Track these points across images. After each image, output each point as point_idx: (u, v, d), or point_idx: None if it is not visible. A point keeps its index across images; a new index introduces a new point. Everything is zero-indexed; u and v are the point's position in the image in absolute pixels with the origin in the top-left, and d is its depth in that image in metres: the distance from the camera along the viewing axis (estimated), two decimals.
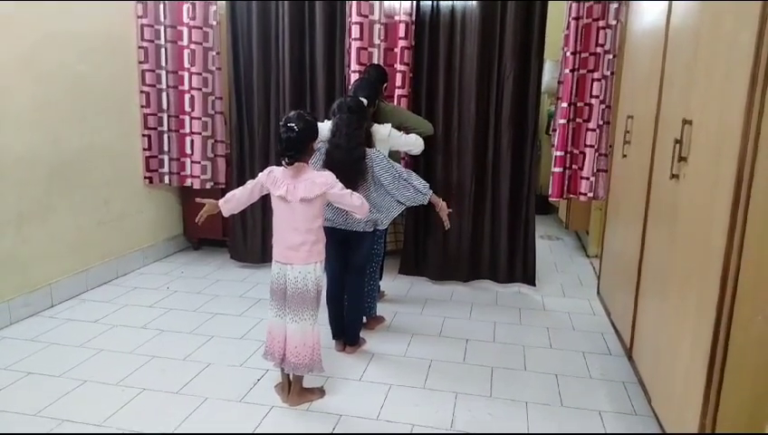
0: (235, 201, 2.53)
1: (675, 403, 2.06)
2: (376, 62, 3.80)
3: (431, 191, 2.91)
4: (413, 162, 3.97)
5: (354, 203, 2.48)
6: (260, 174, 2.49)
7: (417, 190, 2.87)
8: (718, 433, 1.72)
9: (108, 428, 2.32)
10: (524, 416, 2.47)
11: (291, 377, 2.53)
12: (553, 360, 3.00)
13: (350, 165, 2.74)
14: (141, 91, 4.32)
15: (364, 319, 3.24)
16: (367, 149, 2.82)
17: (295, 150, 2.37)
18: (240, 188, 2.55)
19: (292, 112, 2.42)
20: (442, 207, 2.95)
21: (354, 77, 3.76)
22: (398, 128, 3.23)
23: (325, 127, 2.98)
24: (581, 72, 3.78)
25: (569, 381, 2.77)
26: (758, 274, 1.60)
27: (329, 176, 2.46)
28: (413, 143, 3.26)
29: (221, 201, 2.53)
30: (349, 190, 2.48)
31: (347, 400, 2.58)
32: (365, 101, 2.98)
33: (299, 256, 2.43)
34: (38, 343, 3.06)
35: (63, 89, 3.60)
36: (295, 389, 2.53)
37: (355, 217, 2.69)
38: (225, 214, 2.57)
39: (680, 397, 1.99)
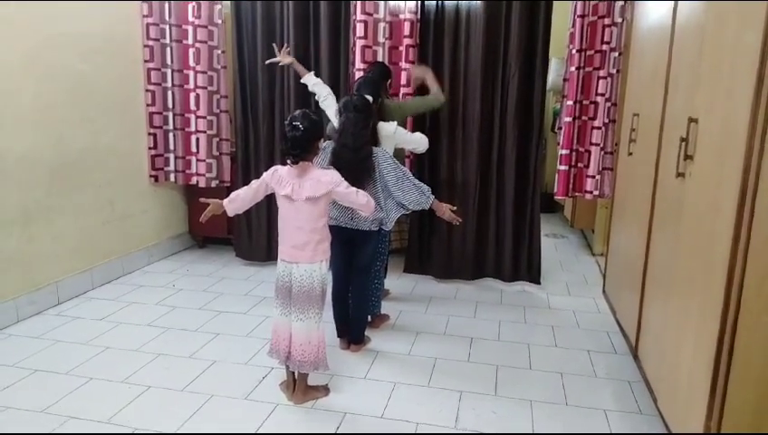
0: (239, 201, 2.53)
1: (680, 403, 2.06)
2: (380, 60, 3.80)
3: (433, 196, 2.91)
4: (417, 161, 3.97)
5: (360, 201, 2.48)
6: (264, 173, 2.49)
7: (422, 192, 2.87)
8: (723, 433, 1.71)
9: (113, 425, 2.34)
10: (529, 415, 2.46)
11: (296, 375, 2.54)
12: (558, 358, 3.00)
13: (356, 164, 2.74)
14: (147, 90, 4.33)
15: (369, 317, 3.25)
16: (373, 148, 2.83)
17: (300, 149, 2.36)
18: (245, 187, 2.55)
19: (298, 111, 2.42)
20: (444, 210, 2.95)
21: (359, 75, 3.76)
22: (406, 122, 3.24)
23: (331, 112, 3.02)
24: (587, 69, 3.77)
25: (574, 380, 2.76)
26: (764, 273, 1.59)
27: (334, 174, 2.46)
28: (418, 141, 3.25)
29: (226, 201, 2.54)
30: (354, 188, 2.47)
31: (351, 398, 2.58)
32: (370, 98, 2.98)
33: (304, 254, 2.44)
34: (44, 341, 3.08)
35: (68, 89, 3.62)
36: (300, 387, 2.53)
37: (361, 215, 2.69)
38: (230, 214, 2.57)
39: (685, 396, 1.98)
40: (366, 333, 3.12)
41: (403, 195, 2.86)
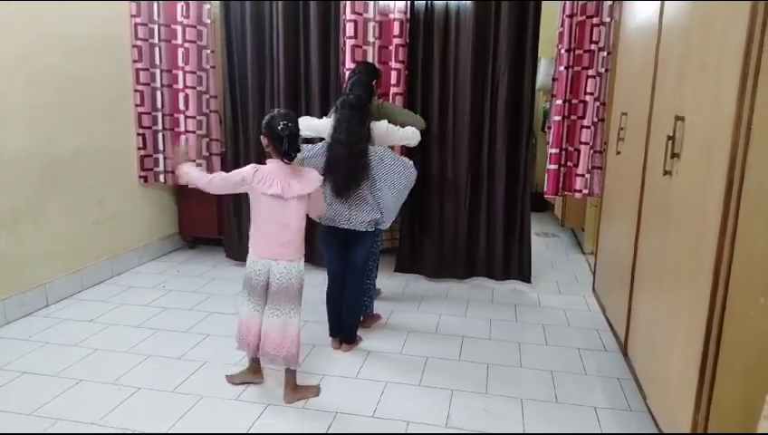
0: (208, 184, 2.51)
1: (669, 399, 2.07)
2: (367, 60, 3.80)
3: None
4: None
5: (320, 209, 2.71)
6: (242, 171, 2.45)
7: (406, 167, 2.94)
8: (711, 433, 1.72)
9: (103, 427, 2.32)
10: (520, 412, 2.48)
11: (285, 373, 2.55)
12: (549, 356, 3.01)
13: (351, 160, 2.75)
14: (136, 90, 4.30)
15: (361, 317, 3.25)
16: (371, 147, 2.84)
17: (297, 148, 2.43)
18: (221, 176, 2.51)
19: (283, 111, 2.46)
20: None
21: (348, 75, 3.75)
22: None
23: (322, 123, 3.03)
24: (576, 69, 3.78)
25: (564, 378, 2.78)
26: (750, 269, 1.60)
27: (316, 173, 2.56)
28: (410, 136, 3.25)
29: (195, 173, 2.52)
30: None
31: (343, 397, 2.58)
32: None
33: (288, 251, 2.48)
34: (33, 343, 3.06)
35: (57, 89, 3.59)
36: (290, 384, 2.55)
37: (359, 216, 2.81)
38: (184, 182, 2.59)
39: (674, 393, 2.00)
40: (357, 332, 3.12)
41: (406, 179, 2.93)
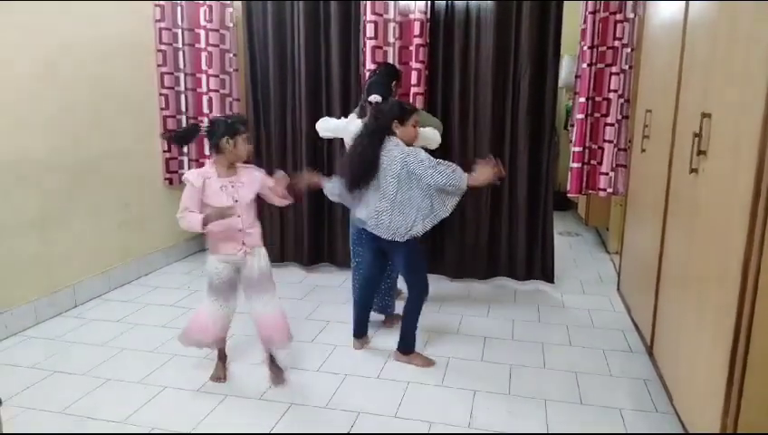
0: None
1: (696, 401, 2.04)
2: (387, 61, 3.80)
3: (465, 174, 2.72)
4: None
5: None
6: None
7: (455, 170, 2.72)
8: (740, 433, 1.69)
9: (130, 425, 2.37)
10: (544, 414, 2.45)
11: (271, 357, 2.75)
12: (573, 357, 2.98)
13: (357, 157, 2.75)
14: (160, 94, 4.38)
15: (383, 317, 3.25)
16: (400, 147, 2.74)
17: None
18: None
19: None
20: (486, 173, 2.74)
21: (368, 75, 3.76)
22: None
23: (341, 124, 3.05)
24: (599, 66, 3.73)
25: (589, 379, 2.74)
26: None
27: None
28: (430, 138, 3.23)
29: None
30: None
31: (365, 397, 2.59)
32: (380, 98, 2.98)
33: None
34: (62, 343, 3.13)
35: (84, 93, 3.67)
36: (274, 365, 2.73)
37: (384, 220, 2.75)
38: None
39: (701, 395, 1.97)
40: (375, 331, 3.10)
41: (440, 177, 2.68)
